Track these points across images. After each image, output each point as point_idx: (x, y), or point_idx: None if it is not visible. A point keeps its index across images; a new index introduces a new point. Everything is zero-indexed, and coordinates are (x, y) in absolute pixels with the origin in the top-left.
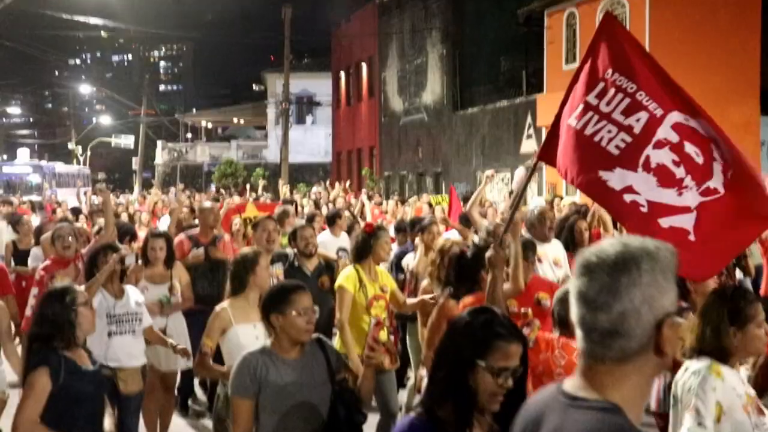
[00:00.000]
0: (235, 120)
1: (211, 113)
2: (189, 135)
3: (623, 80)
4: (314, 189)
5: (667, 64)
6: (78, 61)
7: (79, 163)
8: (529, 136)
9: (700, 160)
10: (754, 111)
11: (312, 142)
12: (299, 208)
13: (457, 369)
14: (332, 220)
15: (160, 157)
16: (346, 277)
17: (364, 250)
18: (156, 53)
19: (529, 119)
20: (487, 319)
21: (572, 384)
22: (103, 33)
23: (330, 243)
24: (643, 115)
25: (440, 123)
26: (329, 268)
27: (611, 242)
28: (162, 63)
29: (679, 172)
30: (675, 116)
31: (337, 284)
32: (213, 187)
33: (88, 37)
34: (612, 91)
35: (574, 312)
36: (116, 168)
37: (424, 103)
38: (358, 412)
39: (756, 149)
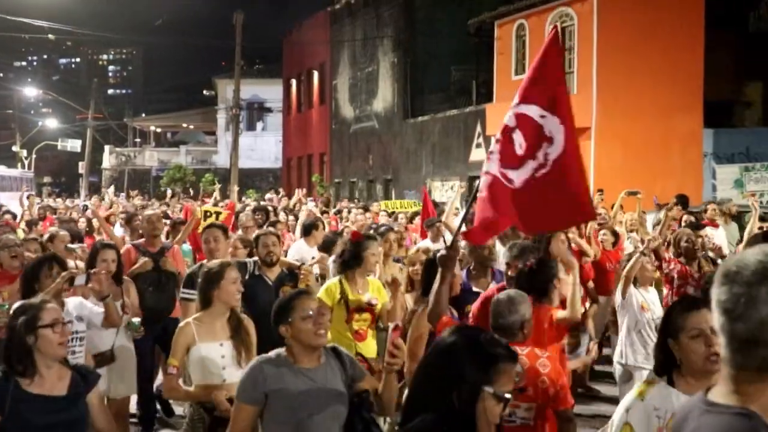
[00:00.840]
0: (185, 125)
1: (160, 118)
2: (137, 140)
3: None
4: (267, 195)
5: (614, 77)
6: (24, 63)
7: (23, 166)
8: (478, 145)
9: (519, 150)
10: (698, 123)
11: (262, 148)
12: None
13: (459, 395)
14: (308, 230)
15: (108, 161)
16: (326, 288)
17: (351, 260)
18: (105, 57)
19: (478, 128)
20: (490, 339)
21: (715, 391)
22: (50, 35)
23: (306, 253)
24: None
25: (391, 131)
26: (292, 276)
27: (753, 252)
28: (111, 67)
29: (495, 149)
30: (527, 108)
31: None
32: (169, 192)
33: (35, 39)
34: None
35: (716, 320)
36: (62, 172)
37: (374, 111)
38: (375, 426)
39: (698, 160)
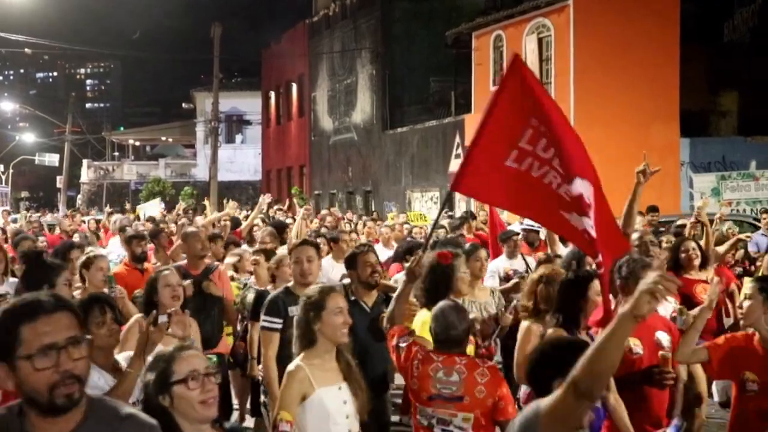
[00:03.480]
0: (164, 138)
1: (138, 131)
2: (116, 153)
3: (544, 127)
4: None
5: (591, 87)
6: (0, 78)
7: (0, 182)
8: (457, 156)
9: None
10: (675, 133)
11: (241, 160)
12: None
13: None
14: (335, 242)
15: (86, 175)
16: (424, 324)
17: (441, 287)
18: (82, 70)
19: (457, 139)
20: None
21: None
22: (27, 50)
23: (334, 272)
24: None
25: (370, 142)
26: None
27: None
28: (88, 80)
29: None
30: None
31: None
32: (162, 205)
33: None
34: (543, 140)
35: None
36: (40, 186)
37: (354, 123)
38: None
39: (676, 169)
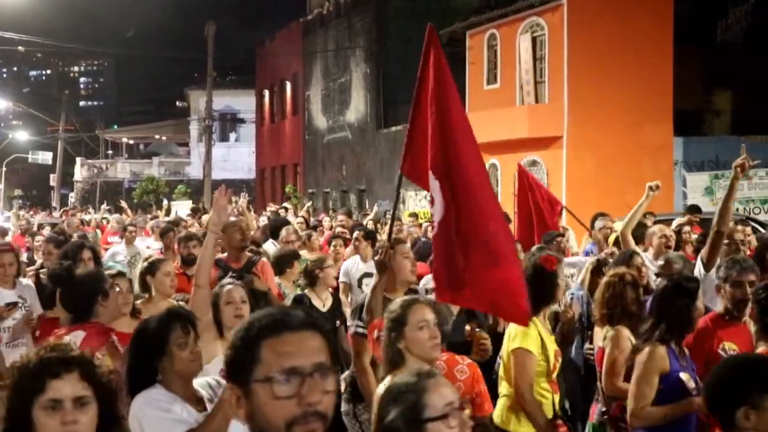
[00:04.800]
0: (157, 136)
1: (132, 129)
2: (109, 151)
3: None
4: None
5: (585, 86)
6: None
7: None
8: None
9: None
10: (668, 132)
11: (235, 159)
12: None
13: None
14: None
15: (79, 173)
16: (526, 334)
17: (544, 293)
18: (76, 68)
19: None
20: None
21: None
22: (20, 47)
23: (358, 271)
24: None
25: (364, 141)
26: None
27: None
28: (82, 78)
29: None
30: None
31: (515, 344)
32: (165, 202)
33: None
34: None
35: None
36: (33, 185)
37: (347, 121)
38: None
39: (669, 168)
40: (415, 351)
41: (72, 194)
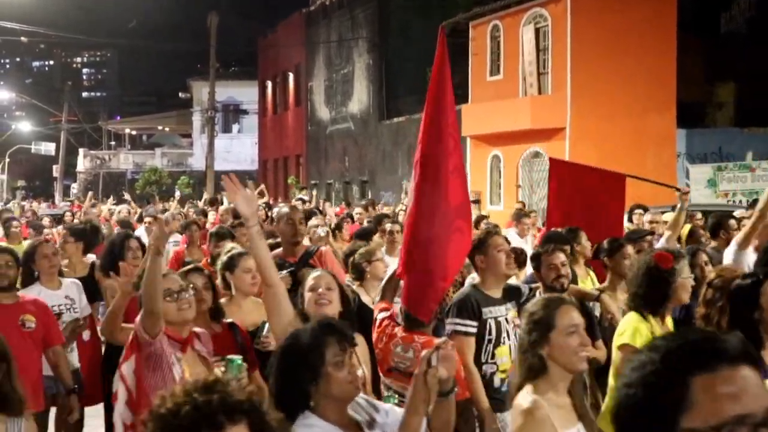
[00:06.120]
0: (160, 127)
1: (135, 120)
2: (112, 142)
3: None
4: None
5: (588, 78)
6: None
7: None
8: None
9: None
10: (671, 124)
11: (238, 150)
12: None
13: None
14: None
15: (82, 164)
16: (635, 330)
17: (660, 295)
18: (79, 59)
19: None
20: None
21: None
22: (22, 38)
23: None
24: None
25: (366, 132)
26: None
27: None
28: (85, 69)
29: None
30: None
31: (622, 340)
32: (177, 193)
33: (7, 41)
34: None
35: None
36: (36, 175)
37: (350, 113)
38: None
39: (672, 160)
40: (561, 359)
41: (74, 185)
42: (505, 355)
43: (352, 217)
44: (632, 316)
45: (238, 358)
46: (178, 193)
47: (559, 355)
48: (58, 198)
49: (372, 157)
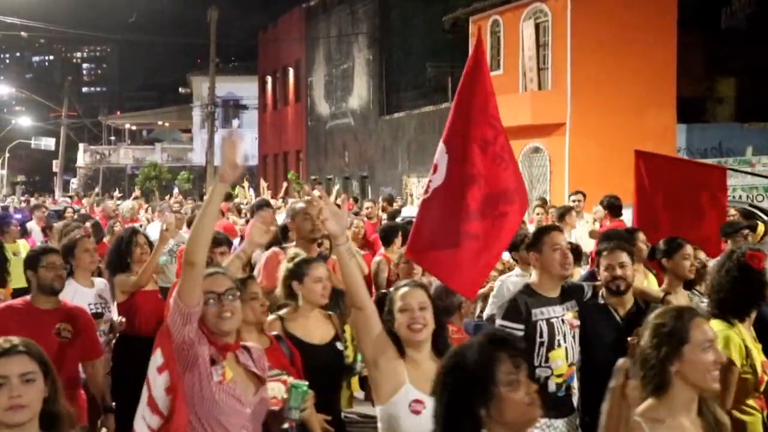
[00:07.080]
0: (160, 123)
1: (135, 115)
2: (112, 138)
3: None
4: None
5: (588, 73)
6: None
7: None
8: None
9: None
10: (671, 119)
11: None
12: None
13: None
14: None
15: (82, 159)
16: (728, 340)
17: (752, 296)
18: (78, 54)
19: None
20: None
21: None
22: (22, 33)
23: None
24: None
25: (366, 127)
26: (640, 315)
27: None
28: (85, 64)
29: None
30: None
31: None
32: (176, 189)
33: (7, 36)
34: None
35: None
36: (36, 170)
37: (350, 108)
38: None
39: (673, 155)
40: (692, 378)
41: (74, 180)
42: (561, 359)
43: (356, 215)
44: (717, 325)
45: (303, 385)
46: (176, 189)
47: (692, 374)
48: (58, 193)
49: (372, 152)
